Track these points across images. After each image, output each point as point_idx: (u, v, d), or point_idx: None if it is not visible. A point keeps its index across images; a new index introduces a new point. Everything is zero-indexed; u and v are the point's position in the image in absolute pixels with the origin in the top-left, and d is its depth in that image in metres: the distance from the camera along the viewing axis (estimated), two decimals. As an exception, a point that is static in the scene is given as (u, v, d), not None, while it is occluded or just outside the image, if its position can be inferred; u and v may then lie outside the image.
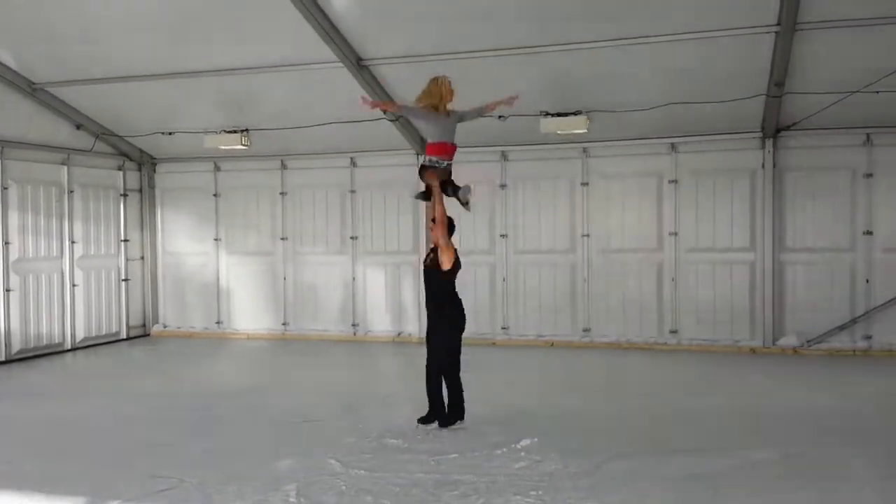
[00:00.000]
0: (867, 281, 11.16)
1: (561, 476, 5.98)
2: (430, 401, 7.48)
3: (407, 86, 10.74)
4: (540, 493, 5.61)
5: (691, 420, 7.71)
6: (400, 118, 10.98)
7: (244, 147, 12.42)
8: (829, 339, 11.25)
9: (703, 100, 10.21)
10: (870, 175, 11.11)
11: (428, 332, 7.56)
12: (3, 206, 11.28)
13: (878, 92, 9.54)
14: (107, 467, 6.36)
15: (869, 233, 11.15)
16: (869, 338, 11.15)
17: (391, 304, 13.11)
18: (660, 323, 11.98)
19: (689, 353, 11.51)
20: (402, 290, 13.04)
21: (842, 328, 11.21)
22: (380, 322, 13.15)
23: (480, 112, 7.59)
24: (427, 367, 7.51)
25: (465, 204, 7.35)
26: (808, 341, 11.29)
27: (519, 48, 9.53)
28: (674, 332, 11.90)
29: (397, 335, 13.00)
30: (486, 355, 11.50)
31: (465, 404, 7.49)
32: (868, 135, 11.05)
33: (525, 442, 6.79)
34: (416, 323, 12.89)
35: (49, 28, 9.61)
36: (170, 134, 12.64)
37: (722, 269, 11.72)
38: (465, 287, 12.58)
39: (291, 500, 5.53)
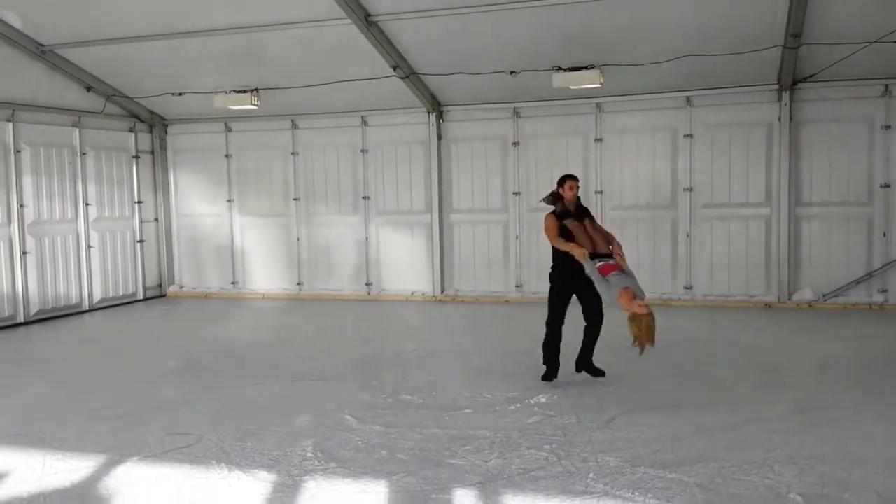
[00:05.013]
0: (884, 234, 11.05)
1: (574, 431, 6.01)
2: (551, 358, 7.42)
3: (419, 44, 10.65)
4: (554, 447, 5.64)
5: (705, 375, 7.72)
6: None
7: (254, 107, 12.35)
8: (844, 293, 11.20)
9: (719, 52, 10.04)
10: (888, 127, 10.93)
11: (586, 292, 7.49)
12: (16, 169, 11.31)
13: (896, 42, 9.37)
14: (127, 425, 6.45)
15: (887, 186, 11.01)
16: (885, 291, 11.08)
17: (404, 263, 13.12)
18: (674, 279, 11.95)
19: (703, 308, 11.48)
20: (415, 249, 13.05)
21: (858, 282, 11.14)
22: (393, 281, 13.19)
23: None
24: (553, 324, 7.47)
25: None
26: (823, 295, 11.24)
27: (531, 0, 9.37)
28: (688, 287, 11.87)
29: (411, 294, 13.04)
30: (500, 312, 11.56)
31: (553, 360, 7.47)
32: (886, 86, 10.86)
33: (539, 398, 6.82)
34: (428, 282, 12.93)
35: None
36: (179, 95, 12.60)
37: (737, 225, 11.63)
38: (479, 246, 12.71)
39: (309, 455, 5.60)
